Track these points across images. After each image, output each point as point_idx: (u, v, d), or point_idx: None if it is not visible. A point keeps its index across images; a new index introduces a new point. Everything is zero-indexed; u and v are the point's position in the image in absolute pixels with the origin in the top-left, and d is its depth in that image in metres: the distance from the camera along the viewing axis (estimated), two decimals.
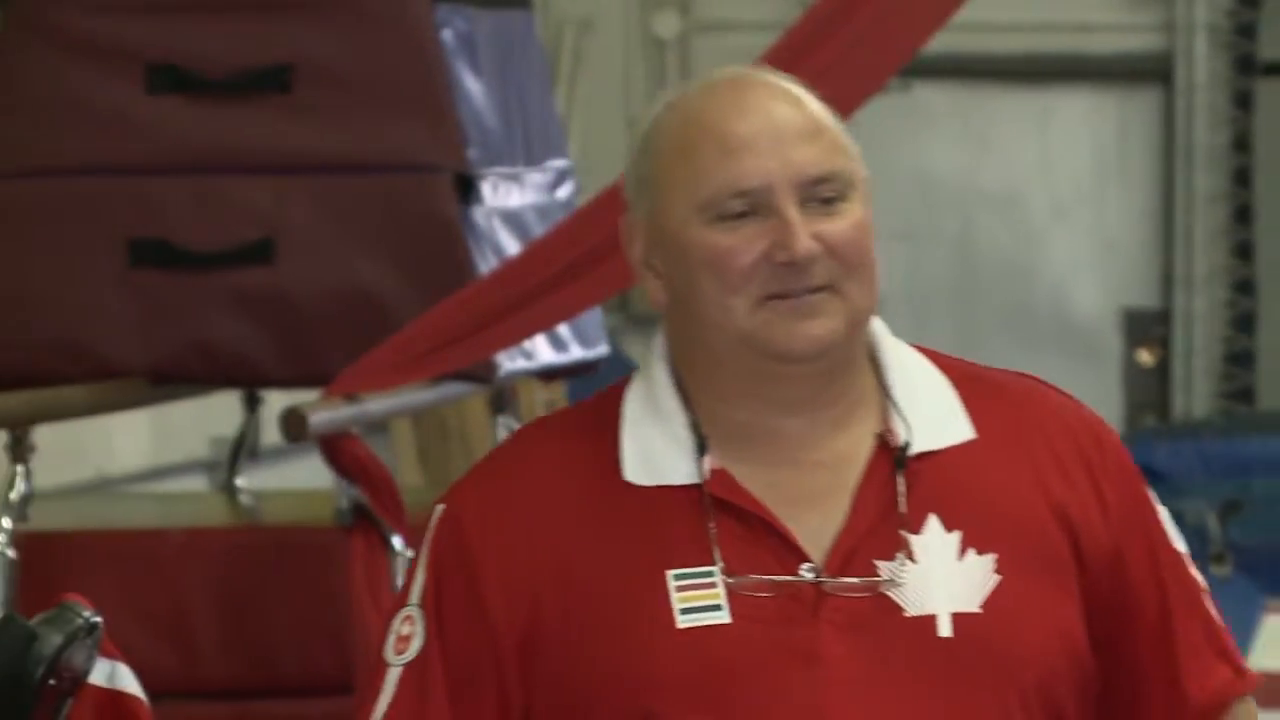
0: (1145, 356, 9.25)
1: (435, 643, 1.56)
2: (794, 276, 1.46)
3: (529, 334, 3.31)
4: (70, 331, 3.25)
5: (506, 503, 1.59)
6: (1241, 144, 8.82)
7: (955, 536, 1.52)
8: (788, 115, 1.53)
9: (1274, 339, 8.95)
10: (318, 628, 3.21)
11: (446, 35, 3.34)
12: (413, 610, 1.58)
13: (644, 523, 1.53)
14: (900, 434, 1.52)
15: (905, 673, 1.48)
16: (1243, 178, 8.81)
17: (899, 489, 1.52)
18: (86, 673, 2.28)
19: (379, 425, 4.20)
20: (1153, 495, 1.63)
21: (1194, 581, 1.61)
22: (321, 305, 3.23)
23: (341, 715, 3.02)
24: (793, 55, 2.92)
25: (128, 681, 2.48)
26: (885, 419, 1.55)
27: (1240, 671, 1.61)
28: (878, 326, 1.58)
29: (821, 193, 1.48)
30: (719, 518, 1.50)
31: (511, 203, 3.53)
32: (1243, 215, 8.87)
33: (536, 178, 3.68)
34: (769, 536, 1.49)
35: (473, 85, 3.43)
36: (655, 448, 1.54)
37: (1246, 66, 8.81)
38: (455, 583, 1.57)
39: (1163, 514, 1.64)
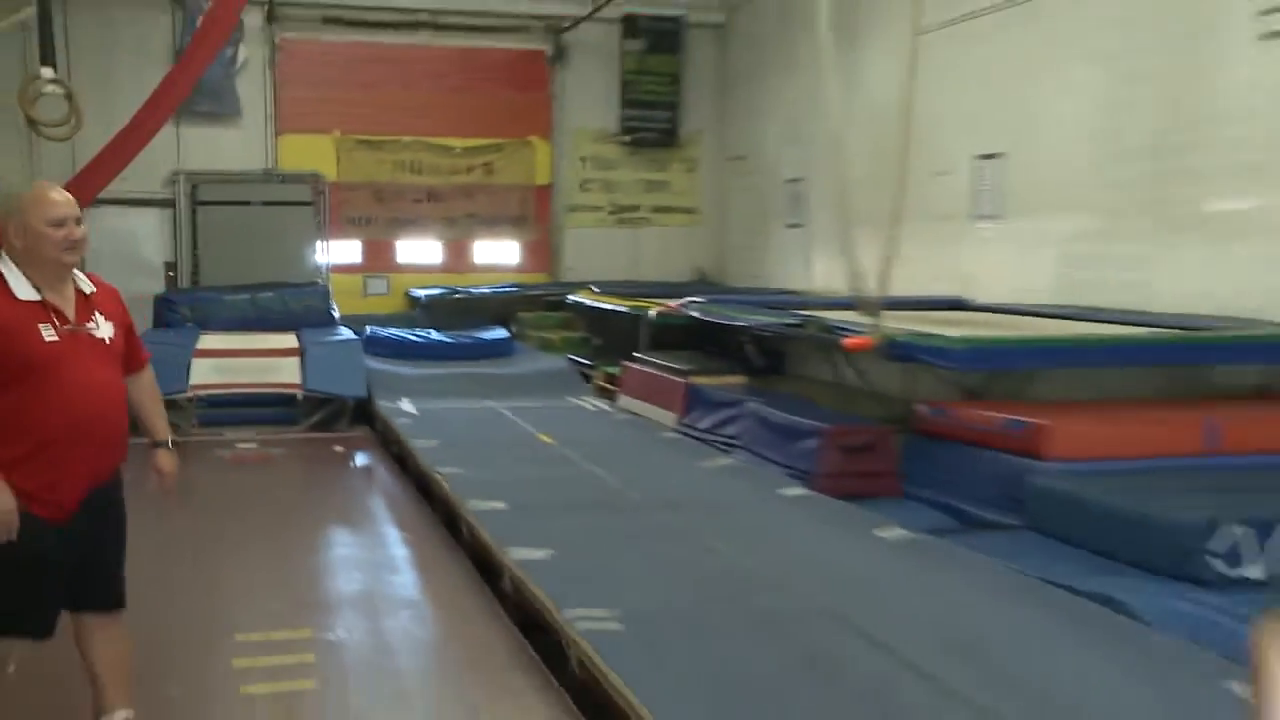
0: None
1: None
2: (71, 242, 3.81)
3: None
4: None
5: None
6: None
7: (105, 320, 3.94)
8: (68, 197, 3.86)
9: None
10: None
11: None
12: None
13: (28, 311, 3.72)
14: (83, 288, 3.90)
15: (97, 357, 3.86)
16: None
17: (90, 305, 3.90)
18: None
19: None
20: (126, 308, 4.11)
21: (139, 339, 4.11)
22: None
23: None
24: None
25: None
26: (78, 284, 3.89)
27: (146, 354, 4.19)
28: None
29: (78, 218, 3.84)
30: (47, 312, 3.77)
31: None
32: None
33: None
34: (62, 316, 3.80)
35: None
36: (20, 287, 3.75)
37: None
38: None
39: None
